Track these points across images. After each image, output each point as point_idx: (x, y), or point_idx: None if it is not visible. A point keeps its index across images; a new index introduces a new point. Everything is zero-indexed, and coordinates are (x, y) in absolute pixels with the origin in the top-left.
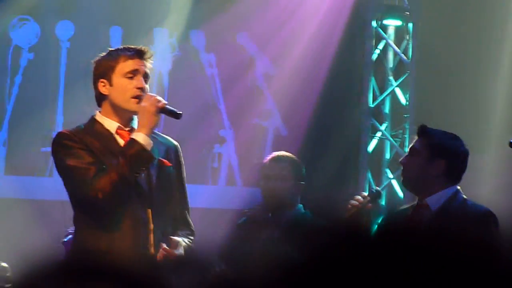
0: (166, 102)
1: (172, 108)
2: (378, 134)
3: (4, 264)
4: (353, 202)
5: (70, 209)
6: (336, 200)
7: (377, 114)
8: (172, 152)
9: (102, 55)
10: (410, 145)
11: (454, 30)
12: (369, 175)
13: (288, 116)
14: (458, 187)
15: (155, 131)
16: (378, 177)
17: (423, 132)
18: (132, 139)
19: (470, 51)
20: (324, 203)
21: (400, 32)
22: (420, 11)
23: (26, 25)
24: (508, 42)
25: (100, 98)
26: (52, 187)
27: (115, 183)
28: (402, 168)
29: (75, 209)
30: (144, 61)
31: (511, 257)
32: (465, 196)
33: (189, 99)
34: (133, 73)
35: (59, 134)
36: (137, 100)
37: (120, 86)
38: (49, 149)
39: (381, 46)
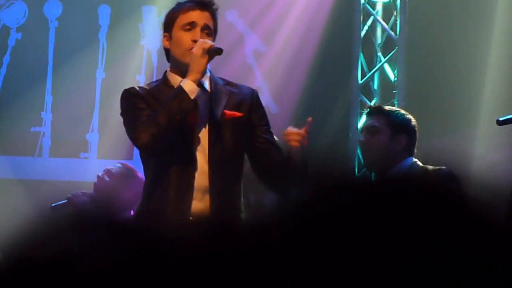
0: (213, 43)
1: (217, 47)
2: None
3: None
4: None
5: (59, 189)
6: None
7: (366, 90)
8: (247, 100)
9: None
10: (365, 125)
11: (442, 5)
12: (359, 151)
13: (277, 93)
14: (414, 159)
15: (229, 80)
16: None
17: (380, 111)
18: (178, 86)
19: (459, 26)
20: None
21: (388, 8)
22: None
23: (14, 4)
24: (499, 14)
25: (166, 53)
26: (41, 167)
27: (155, 134)
28: (363, 149)
29: None
30: (206, 12)
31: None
32: (421, 165)
33: None
34: (191, 25)
35: (127, 90)
36: None
37: (177, 39)
38: (38, 128)
39: (369, 22)
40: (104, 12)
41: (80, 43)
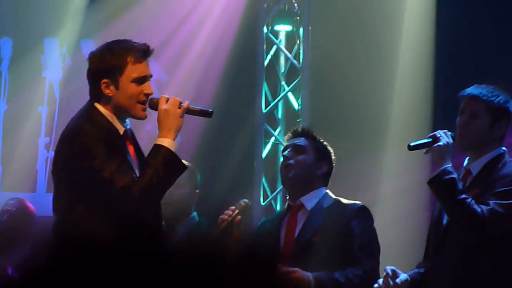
0: (189, 102)
1: (200, 107)
2: (272, 139)
3: None
4: (222, 216)
5: None
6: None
7: (271, 119)
8: None
9: (101, 49)
10: (292, 142)
11: (345, 32)
12: (264, 180)
13: None
14: (327, 190)
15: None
16: (273, 181)
17: (310, 134)
18: (164, 147)
19: (362, 53)
20: (219, 210)
21: (291, 37)
22: (310, 16)
23: None
24: (402, 42)
25: (100, 97)
26: None
27: (153, 193)
28: (287, 164)
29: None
30: (147, 61)
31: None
32: (334, 196)
33: None
34: (142, 79)
35: (82, 131)
36: (143, 106)
37: (127, 91)
38: None
39: (272, 51)
40: (6, 45)
41: None
